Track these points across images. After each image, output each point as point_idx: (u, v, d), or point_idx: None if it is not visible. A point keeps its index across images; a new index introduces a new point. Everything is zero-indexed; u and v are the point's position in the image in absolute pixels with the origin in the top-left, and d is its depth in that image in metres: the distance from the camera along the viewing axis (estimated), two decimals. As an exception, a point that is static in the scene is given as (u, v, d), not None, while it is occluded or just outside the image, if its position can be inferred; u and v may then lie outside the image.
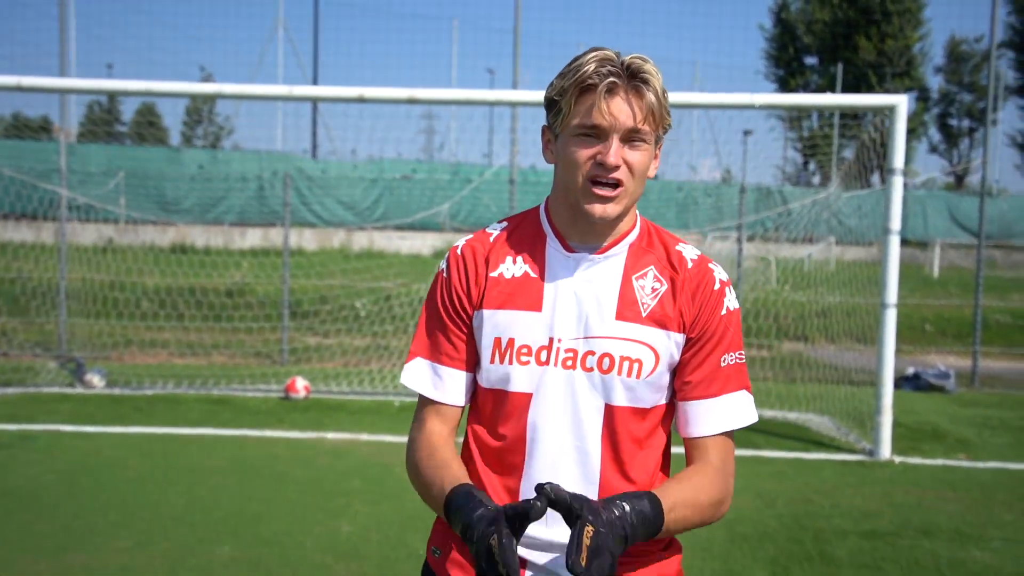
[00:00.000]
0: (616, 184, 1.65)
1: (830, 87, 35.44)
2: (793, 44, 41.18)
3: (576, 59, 1.68)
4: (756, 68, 48.01)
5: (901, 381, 10.37)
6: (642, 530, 1.53)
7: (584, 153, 1.65)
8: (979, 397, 10.09)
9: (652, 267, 1.75)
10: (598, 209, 1.66)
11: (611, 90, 1.62)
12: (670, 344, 1.72)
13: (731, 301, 1.76)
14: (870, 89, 36.06)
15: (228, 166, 24.03)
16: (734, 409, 1.74)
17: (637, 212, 1.79)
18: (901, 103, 7.03)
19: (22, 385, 8.95)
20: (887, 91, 36.43)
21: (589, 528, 1.44)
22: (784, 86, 40.94)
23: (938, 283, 20.71)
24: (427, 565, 1.85)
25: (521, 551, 1.67)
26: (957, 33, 40.87)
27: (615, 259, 1.74)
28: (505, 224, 1.84)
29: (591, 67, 1.63)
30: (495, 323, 1.73)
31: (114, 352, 10.72)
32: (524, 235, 1.79)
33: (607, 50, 1.67)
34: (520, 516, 1.48)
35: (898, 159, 6.98)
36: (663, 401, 1.76)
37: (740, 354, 1.77)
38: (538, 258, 1.75)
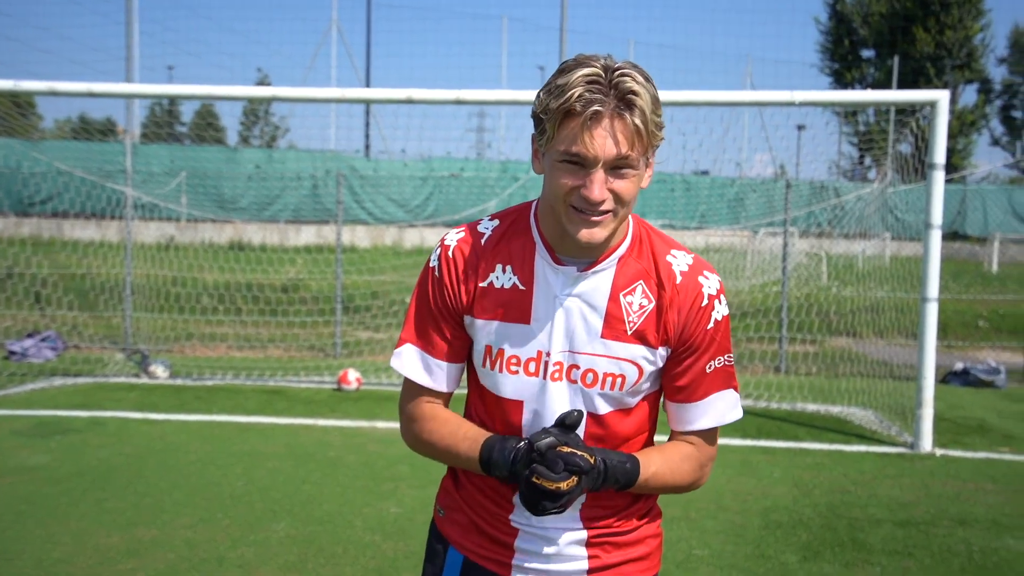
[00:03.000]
0: (603, 212, 1.62)
1: (887, 80, 34.79)
2: (849, 37, 40.46)
3: (563, 73, 1.59)
4: (810, 62, 47.29)
5: (950, 376, 10.29)
6: (614, 481, 1.68)
7: (568, 182, 1.60)
8: (1030, 393, 9.97)
9: (641, 282, 1.73)
10: (584, 234, 1.63)
11: (595, 117, 1.54)
12: (655, 358, 1.75)
13: (719, 312, 1.75)
14: (928, 82, 35.33)
15: (283, 165, 24.59)
16: (718, 409, 1.79)
17: (630, 218, 1.76)
18: (942, 98, 7.05)
19: (92, 375, 9.44)
20: (946, 84, 35.66)
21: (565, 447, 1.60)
22: (839, 80, 40.29)
23: (996, 279, 20.30)
24: (434, 523, 1.94)
25: (517, 521, 1.81)
26: (1021, 23, 39.85)
27: (604, 274, 1.72)
28: (496, 223, 1.81)
29: (577, 91, 1.54)
30: (487, 332, 1.76)
31: (176, 345, 11.23)
32: (514, 240, 1.76)
33: (595, 64, 1.57)
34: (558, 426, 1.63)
35: (939, 154, 7.00)
36: (646, 396, 1.81)
37: (728, 357, 1.79)
38: (527, 269, 1.73)
